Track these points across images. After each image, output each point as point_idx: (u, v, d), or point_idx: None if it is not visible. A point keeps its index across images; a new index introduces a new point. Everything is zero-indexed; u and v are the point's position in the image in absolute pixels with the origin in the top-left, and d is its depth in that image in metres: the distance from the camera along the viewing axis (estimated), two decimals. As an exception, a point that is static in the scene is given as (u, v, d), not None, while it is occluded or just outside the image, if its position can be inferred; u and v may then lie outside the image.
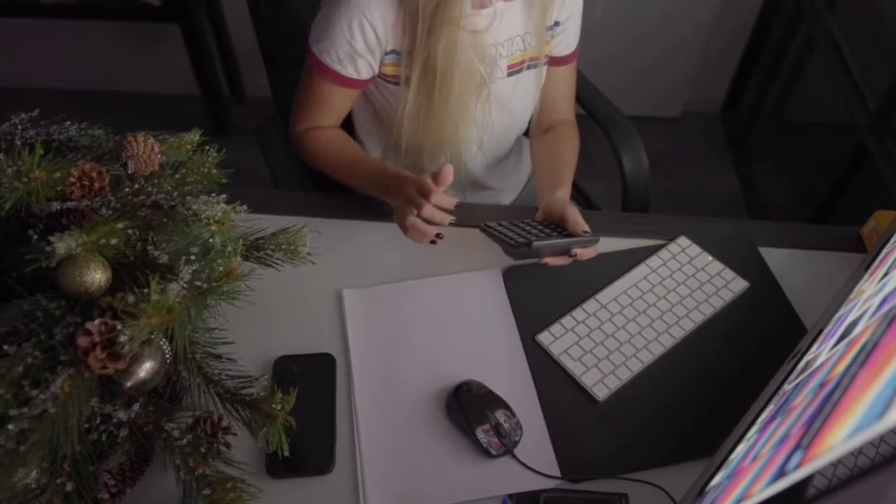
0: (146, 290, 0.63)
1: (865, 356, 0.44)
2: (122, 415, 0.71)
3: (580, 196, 1.44)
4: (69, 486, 0.67)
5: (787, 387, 0.65)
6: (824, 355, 0.60)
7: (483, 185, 1.25)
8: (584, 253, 0.94)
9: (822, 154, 1.99)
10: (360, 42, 0.96)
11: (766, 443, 0.52)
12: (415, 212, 0.89)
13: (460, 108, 1.01)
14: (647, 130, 2.41)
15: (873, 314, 0.55)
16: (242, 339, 0.83)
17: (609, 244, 1.01)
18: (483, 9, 0.96)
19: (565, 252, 0.92)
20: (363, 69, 1.00)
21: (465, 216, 1.05)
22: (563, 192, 1.02)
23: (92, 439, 0.70)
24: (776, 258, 1.01)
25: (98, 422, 0.71)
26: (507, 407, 0.81)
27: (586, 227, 0.93)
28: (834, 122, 1.93)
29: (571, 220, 0.94)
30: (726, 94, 2.46)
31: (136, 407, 0.72)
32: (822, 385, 0.51)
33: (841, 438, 0.36)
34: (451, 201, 0.91)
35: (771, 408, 0.65)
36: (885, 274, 0.65)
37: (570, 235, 0.92)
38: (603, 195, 1.46)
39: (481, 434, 0.78)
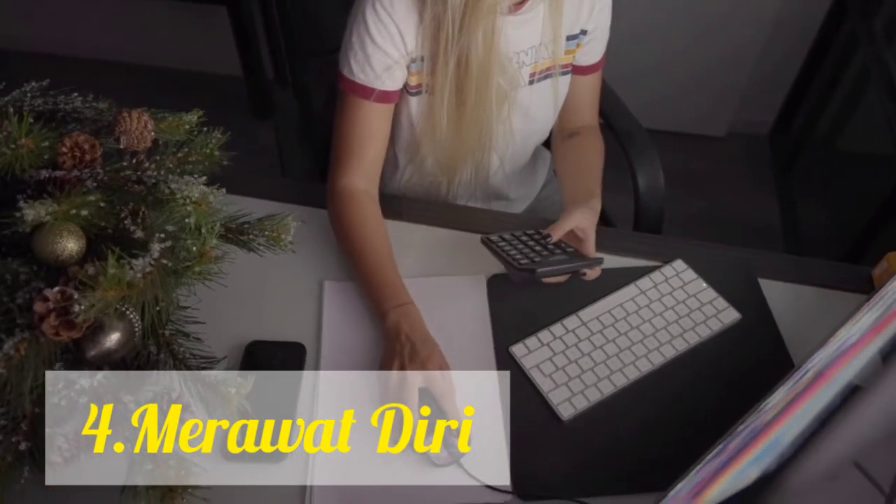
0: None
1: (778, 414, 0.42)
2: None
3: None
4: (23, 446, 0.69)
5: (740, 427, 0.62)
6: (775, 400, 0.57)
7: (501, 196, 1.24)
8: (592, 273, 0.94)
9: (867, 188, 1.91)
10: (388, 43, 0.92)
11: (687, 485, 0.50)
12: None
13: (485, 116, 0.99)
14: (689, 147, 2.37)
15: (822, 366, 0.52)
16: (219, 321, 0.85)
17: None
18: (509, 15, 0.95)
19: (570, 273, 0.90)
20: (398, 76, 0.96)
21: (466, 221, 1.04)
22: (595, 204, 1.01)
23: (52, 403, 0.72)
24: (777, 292, 0.97)
25: (60, 386, 0.73)
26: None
27: (598, 255, 0.93)
28: (884, 155, 1.84)
29: (592, 245, 0.94)
30: (776, 117, 2.38)
31: (99, 376, 0.74)
32: (751, 432, 0.48)
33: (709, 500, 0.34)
34: None
35: (720, 447, 0.62)
36: (858, 321, 0.62)
37: (573, 255, 0.90)
38: (616, 211, 1.42)
39: None
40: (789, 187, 2.25)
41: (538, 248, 0.90)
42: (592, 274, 0.94)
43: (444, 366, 0.84)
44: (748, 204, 2.25)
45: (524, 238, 0.92)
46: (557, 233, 0.93)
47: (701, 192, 2.23)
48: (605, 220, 1.39)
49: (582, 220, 0.94)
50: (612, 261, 1.00)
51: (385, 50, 0.92)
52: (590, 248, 0.93)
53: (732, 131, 2.39)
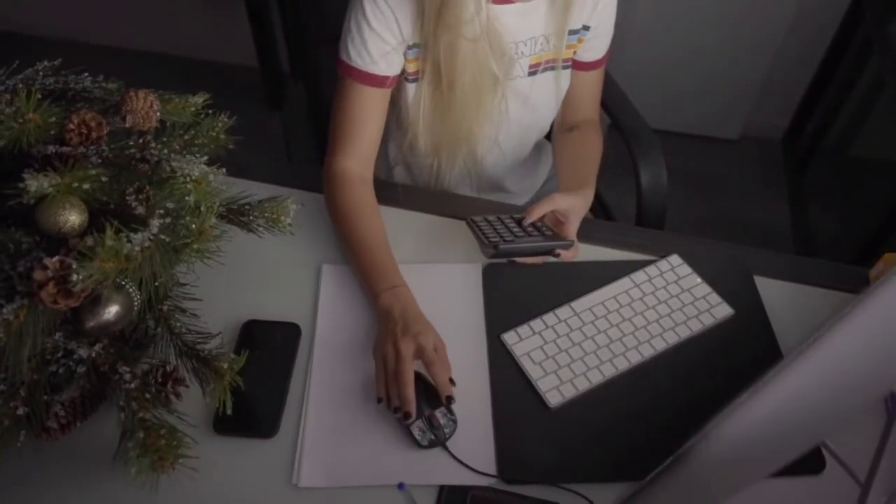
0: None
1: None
2: (82, 352, 0.75)
3: (599, 205, 1.41)
4: (21, 411, 0.71)
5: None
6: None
7: (500, 188, 1.25)
8: (566, 254, 0.94)
9: (878, 193, 1.89)
10: (384, 28, 0.94)
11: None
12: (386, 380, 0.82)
13: (474, 105, 1.01)
14: (702, 150, 2.36)
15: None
16: (216, 299, 0.87)
17: (598, 254, 1.00)
18: (508, 4, 0.96)
19: (539, 254, 0.91)
20: (394, 61, 0.98)
21: (464, 210, 1.05)
22: (587, 192, 1.01)
23: (50, 370, 0.74)
24: (773, 290, 0.97)
25: (60, 355, 0.75)
26: (448, 406, 0.81)
27: (573, 238, 0.94)
28: (895, 161, 1.83)
29: (572, 230, 0.94)
30: (790, 122, 2.36)
31: (98, 347, 0.76)
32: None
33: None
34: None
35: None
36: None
37: (549, 238, 0.91)
38: (619, 210, 1.43)
39: (414, 427, 0.78)
40: (801, 192, 2.24)
41: (516, 229, 0.91)
42: (567, 255, 0.94)
43: (437, 341, 0.83)
44: (759, 207, 2.25)
45: (507, 220, 0.93)
46: (534, 213, 0.94)
47: (712, 195, 2.22)
48: (607, 217, 1.40)
49: (561, 203, 0.95)
50: (609, 254, 1.01)
51: (382, 36, 0.94)
52: (569, 232, 0.94)
53: (746, 135, 2.39)
